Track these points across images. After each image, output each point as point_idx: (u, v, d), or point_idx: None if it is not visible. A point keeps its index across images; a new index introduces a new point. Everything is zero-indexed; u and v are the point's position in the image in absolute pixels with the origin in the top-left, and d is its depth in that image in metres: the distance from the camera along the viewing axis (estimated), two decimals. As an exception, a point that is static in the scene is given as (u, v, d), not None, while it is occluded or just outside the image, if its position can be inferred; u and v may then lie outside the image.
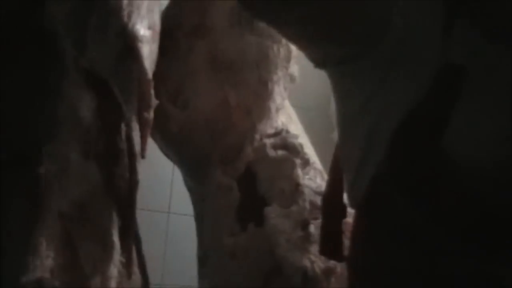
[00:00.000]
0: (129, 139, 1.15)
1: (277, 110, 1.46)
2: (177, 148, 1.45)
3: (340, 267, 1.22)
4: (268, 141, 1.41)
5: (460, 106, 0.88)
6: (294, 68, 1.48)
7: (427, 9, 0.95)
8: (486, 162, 0.87)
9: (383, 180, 0.92)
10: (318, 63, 1.02)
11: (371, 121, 0.95)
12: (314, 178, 1.39)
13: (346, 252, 1.09)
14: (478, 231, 0.88)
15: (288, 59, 1.45)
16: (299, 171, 1.38)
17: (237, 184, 1.37)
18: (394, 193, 0.91)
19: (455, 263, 0.88)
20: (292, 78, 1.48)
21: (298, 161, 1.39)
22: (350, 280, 1.02)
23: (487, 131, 0.88)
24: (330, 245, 1.14)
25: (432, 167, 0.88)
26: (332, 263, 1.23)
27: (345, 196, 1.06)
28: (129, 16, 1.17)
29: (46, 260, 0.97)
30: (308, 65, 1.04)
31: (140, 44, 1.18)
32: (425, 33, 0.93)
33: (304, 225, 1.30)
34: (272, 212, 1.32)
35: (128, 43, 1.17)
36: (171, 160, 1.54)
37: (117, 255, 1.09)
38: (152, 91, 1.20)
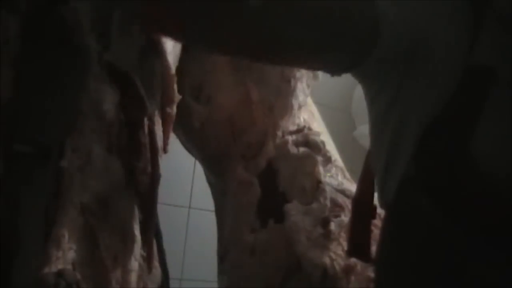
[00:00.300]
0: (152, 133, 1.15)
1: (300, 107, 1.46)
2: (199, 143, 1.45)
3: (360, 265, 1.22)
4: (290, 138, 1.41)
5: (488, 109, 0.87)
6: (317, 65, 1.47)
7: (447, 12, 0.93)
8: (506, 172, 0.85)
9: (410, 183, 0.91)
10: (329, 73, 1.01)
11: (396, 124, 0.94)
12: (336, 175, 1.38)
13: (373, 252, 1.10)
14: (503, 236, 0.86)
15: (311, 56, 1.44)
16: (320, 169, 1.37)
17: (258, 180, 1.37)
18: (421, 196, 0.90)
19: (481, 267, 0.87)
20: (315, 75, 1.48)
21: (319, 158, 1.39)
22: (376, 280, 1.02)
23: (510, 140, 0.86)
24: (358, 246, 1.14)
25: (458, 171, 0.87)
26: (352, 261, 1.22)
27: (375, 197, 1.05)
28: (153, 11, 1.17)
29: (68, 252, 0.97)
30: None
31: (163, 39, 1.19)
32: (446, 36, 0.91)
33: (325, 223, 1.29)
34: (293, 209, 1.32)
35: (152, 38, 1.17)
36: (193, 155, 1.54)
37: (138, 249, 1.10)
38: (175, 86, 1.20)
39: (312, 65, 1.06)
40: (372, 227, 1.12)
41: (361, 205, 1.15)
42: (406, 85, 0.92)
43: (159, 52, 1.18)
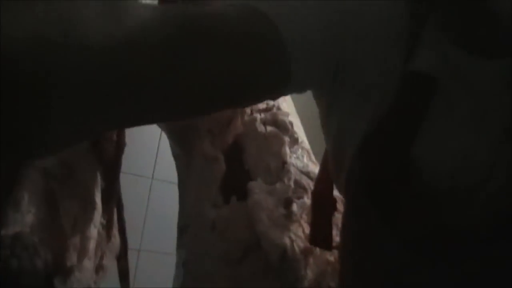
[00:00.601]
0: (120, 101, 1.14)
1: (270, 86, 1.45)
2: (167, 115, 1.44)
3: (319, 248, 1.23)
4: (259, 116, 1.41)
5: (429, 116, 0.86)
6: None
7: (379, 25, 0.89)
8: (449, 177, 0.85)
9: (353, 183, 0.91)
10: None
11: (337, 130, 0.94)
12: (301, 157, 1.38)
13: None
14: (435, 244, 0.87)
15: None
16: (286, 149, 1.37)
17: (223, 156, 1.37)
18: (362, 197, 0.90)
19: (411, 274, 0.88)
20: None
21: (286, 138, 1.39)
22: (341, 270, 1.03)
23: (453, 145, 0.85)
24: (319, 236, 1.15)
25: (398, 178, 0.87)
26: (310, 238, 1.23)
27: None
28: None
29: (26, 215, 0.96)
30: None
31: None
32: (378, 48, 0.88)
33: (287, 203, 1.29)
34: (256, 188, 1.32)
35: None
36: (159, 126, 1.53)
37: (98, 217, 1.09)
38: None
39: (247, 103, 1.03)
40: (336, 213, 1.13)
41: (321, 197, 1.15)
42: (340, 95, 0.91)
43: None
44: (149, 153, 2.20)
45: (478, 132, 0.84)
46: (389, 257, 0.89)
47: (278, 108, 1.44)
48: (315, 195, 1.18)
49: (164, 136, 1.57)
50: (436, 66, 0.86)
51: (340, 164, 0.93)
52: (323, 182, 1.15)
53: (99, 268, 1.12)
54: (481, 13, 0.83)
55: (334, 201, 1.13)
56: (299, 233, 1.24)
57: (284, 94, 0.88)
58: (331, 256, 1.21)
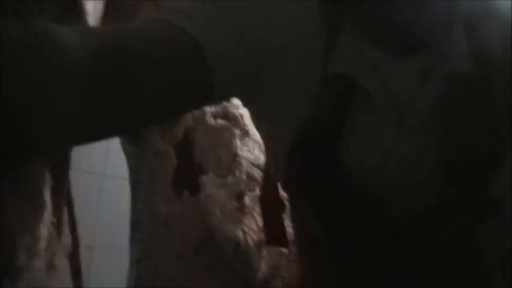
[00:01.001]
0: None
1: (220, 79, 1.45)
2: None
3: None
4: (209, 109, 1.40)
5: (352, 116, 0.87)
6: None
7: (295, 27, 0.90)
8: (377, 173, 0.87)
9: (289, 185, 0.93)
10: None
11: (267, 133, 0.95)
12: (253, 150, 1.39)
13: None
14: (367, 241, 0.89)
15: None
16: (237, 142, 1.37)
17: (174, 151, 1.36)
18: (299, 198, 0.92)
19: (351, 272, 0.90)
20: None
21: (237, 131, 1.39)
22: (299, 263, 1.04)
23: (377, 141, 0.87)
24: (273, 236, 1.16)
25: (326, 176, 0.88)
26: (264, 235, 1.24)
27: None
28: (75, -29, 1.13)
29: (-28, 217, 0.94)
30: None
31: (84, 0, 1.15)
32: (295, 50, 0.89)
33: (239, 196, 1.30)
34: (208, 181, 1.32)
35: (72, -1, 1.14)
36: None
37: (48, 215, 1.07)
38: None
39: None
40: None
41: (268, 200, 1.16)
42: (266, 103, 0.92)
43: (79, 12, 1.14)
44: (99, 149, 2.18)
45: (399, 127, 0.86)
46: (330, 255, 0.91)
47: (229, 101, 1.44)
48: (262, 199, 1.19)
49: (115, 132, 1.55)
50: (354, 66, 0.88)
51: (276, 166, 0.95)
52: (268, 184, 1.16)
53: (50, 267, 1.10)
54: (391, 14, 0.85)
55: (281, 202, 1.14)
56: (252, 226, 1.25)
57: (208, 105, 0.90)
58: (284, 247, 1.22)
